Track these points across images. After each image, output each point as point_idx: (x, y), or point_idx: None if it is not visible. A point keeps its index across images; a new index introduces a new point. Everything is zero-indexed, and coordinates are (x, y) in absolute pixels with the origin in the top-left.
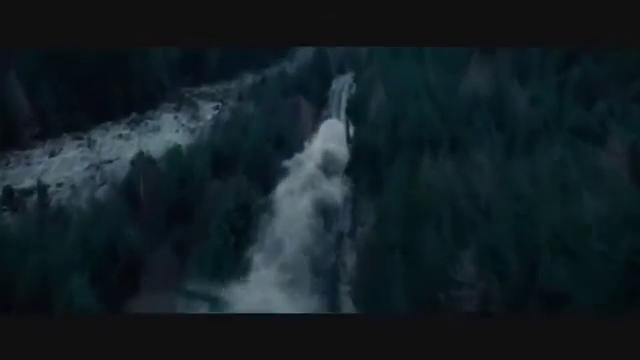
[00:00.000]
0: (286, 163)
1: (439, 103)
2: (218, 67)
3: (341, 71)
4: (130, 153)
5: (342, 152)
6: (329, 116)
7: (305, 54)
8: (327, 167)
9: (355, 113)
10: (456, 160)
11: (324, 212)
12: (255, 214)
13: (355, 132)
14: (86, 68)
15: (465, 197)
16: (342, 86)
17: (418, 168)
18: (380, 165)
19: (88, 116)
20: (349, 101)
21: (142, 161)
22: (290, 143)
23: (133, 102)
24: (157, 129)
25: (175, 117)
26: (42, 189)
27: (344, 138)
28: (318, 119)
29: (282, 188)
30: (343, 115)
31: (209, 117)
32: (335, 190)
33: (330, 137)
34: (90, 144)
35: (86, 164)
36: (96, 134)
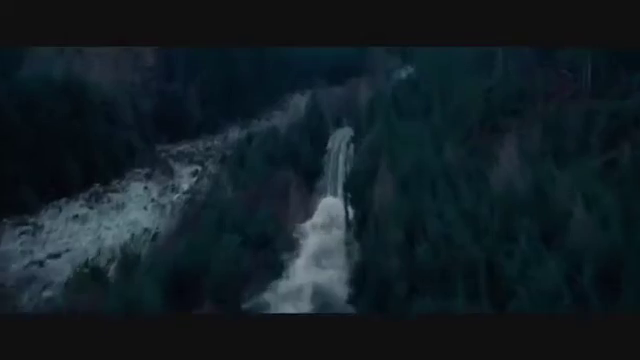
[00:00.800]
0: (265, 298)
1: (464, 202)
2: (201, 119)
3: (339, 124)
4: (85, 241)
5: (340, 283)
6: (324, 191)
7: (297, 106)
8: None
9: (355, 193)
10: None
11: None
12: None
13: (359, 248)
14: (35, 131)
15: None
16: (339, 145)
17: None
18: (394, 312)
19: (36, 193)
20: (347, 176)
21: (81, 279)
22: (274, 249)
23: (94, 171)
24: (121, 206)
25: (145, 188)
26: None
27: (342, 243)
28: (311, 199)
29: None
30: (340, 190)
31: (185, 187)
32: None
33: (324, 251)
34: (36, 231)
35: (26, 261)
36: (45, 217)
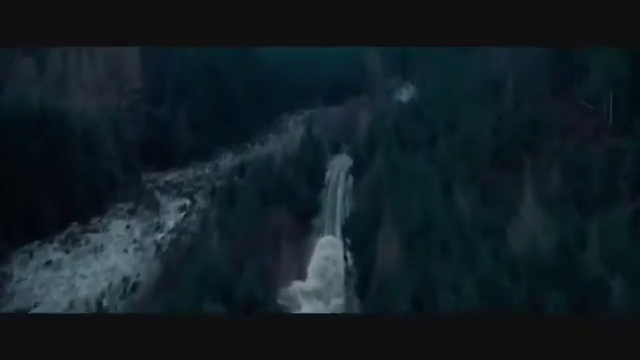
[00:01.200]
0: None
1: (481, 267)
2: (191, 144)
3: (337, 150)
4: (57, 292)
5: None
6: (322, 230)
7: (292, 136)
8: None
9: (355, 240)
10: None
11: None
12: None
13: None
14: (6, 165)
15: None
16: (338, 175)
17: None
18: None
19: (5, 237)
20: (346, 217)
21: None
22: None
23: (72, 208)
24: (100, 249)
25: (127, 227)
26: None
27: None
28: (307, 244)
29: None
30: (339, 230)
31: (171, 225)
32: None
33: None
34: (2, 282)
35: None
36: (14, 264)
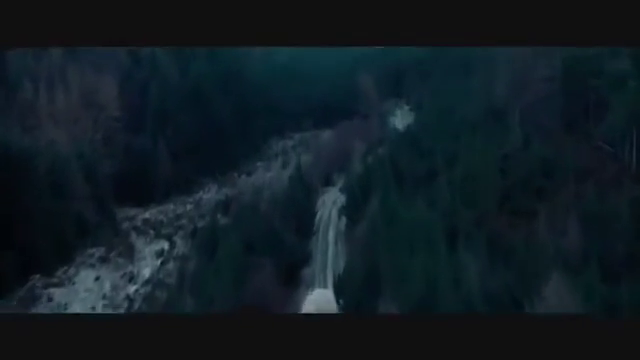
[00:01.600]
0: None
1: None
2: (173, 177)
3: (328, 182)
4: None
5: None
6: (312, 283)
7: (280, 176)
8: None
9: (349, 301)
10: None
11: None
12: None
13: None
14: None
15: None
16: (329, 214)
17: None
18: None
19: None
20: (339, 275)
21: None
22: None
23: (36, 259)
24: (64, 307)
25: (97, 279)
26: None
27: None
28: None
29: None
30: (330, 283)
31: (147, 274)
32: None
33: None
34: None
35: None
36: None
